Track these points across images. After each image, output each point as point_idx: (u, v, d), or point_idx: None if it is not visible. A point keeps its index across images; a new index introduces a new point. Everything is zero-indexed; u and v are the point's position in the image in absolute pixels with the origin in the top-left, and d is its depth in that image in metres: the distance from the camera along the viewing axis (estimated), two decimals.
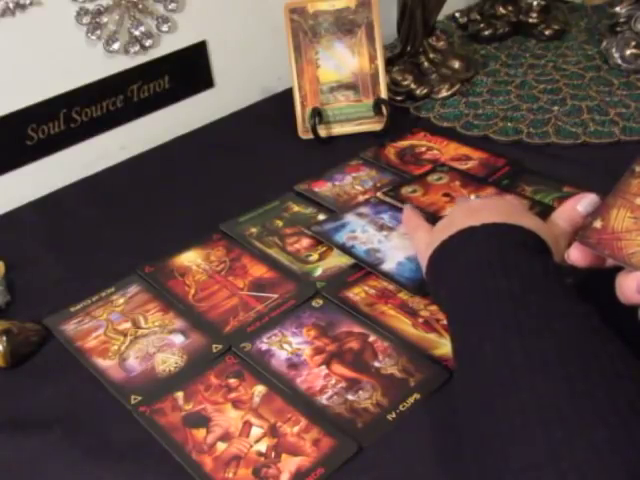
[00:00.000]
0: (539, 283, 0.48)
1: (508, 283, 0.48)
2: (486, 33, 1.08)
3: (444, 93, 0.94)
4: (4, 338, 0.58)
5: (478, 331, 0.47)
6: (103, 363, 0.59)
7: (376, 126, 0.88)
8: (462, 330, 0.49)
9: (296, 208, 0.76)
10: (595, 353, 0.42)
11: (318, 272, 0.67)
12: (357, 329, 0.60)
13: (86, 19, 0.80)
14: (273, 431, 0.52)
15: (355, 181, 0.79)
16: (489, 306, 0.47)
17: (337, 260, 0.68)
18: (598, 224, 0.52)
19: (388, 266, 0.65)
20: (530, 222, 0.55)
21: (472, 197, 0.66)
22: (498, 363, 0.43)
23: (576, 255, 0.53)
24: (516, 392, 0.41)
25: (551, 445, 0.37)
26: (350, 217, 0.73)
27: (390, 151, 0.84)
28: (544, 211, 0.65)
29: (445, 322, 0.59)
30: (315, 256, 0.69)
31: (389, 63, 0.95)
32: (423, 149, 0.84)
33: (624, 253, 0.49)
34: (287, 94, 0.91)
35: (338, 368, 0.56)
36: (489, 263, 0.50)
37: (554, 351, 0.42)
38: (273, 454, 0.50)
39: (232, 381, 0.56)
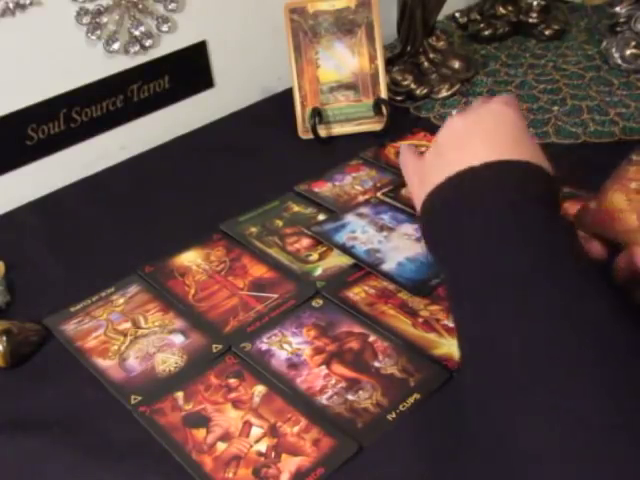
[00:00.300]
0: (551, 257, 0.43)
1: (516, 260, 0.42)
2: (486, 33, 1.08)
3: (444, 93, 0.94)
4: (4, 338, 0.58)
5: (483, 315, 0.42)
6: (103, 363, 0.59)
7: (376, 126, 0.88)
8: (463, 313, 0.45)
9: (296, 208, 0.76)
10: (612, 346, 0.38)
11: (318, 272, 0.67)
12: (357, 329, 0.60)
13: (86, 19, 0.80)
14: (273, 431, 0.52)
15: (355, 181, 0.79)
16: (495, 289, 0.42)
17: (337, 260, 0.68)
18: (593, 205, 0.54)
19: (388, 266, 0.65)
20: (530, 147, 0.50)
21: (453, 112, 0.57)
22: (505, 360, 0.39)
23: (598, 250, 0.52)
24: (527, 392, 0.38)
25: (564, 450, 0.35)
26: (350, 217, 0.73)
27: (390, 151, 0.84)
28: None
29: (445, 322, 0.59)
30: (315, 256, 0.69)
31: (389, 63, 0.95)
32: (423, 149, 0.84)
33: (616, 230, 0.51)
34: (287, 94, 0.91)
35: (338, 368, 0.56)
36: (494, 231, 0.44)
37: (573, 344, 0.38)
38: (273, 454, 0.50)
39: (232, 381, 0.56)
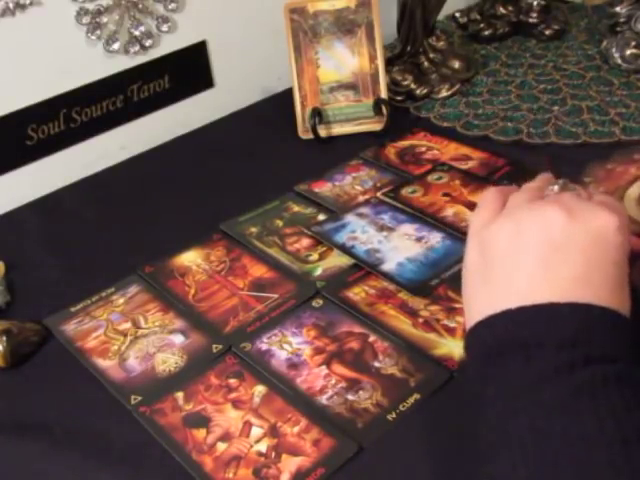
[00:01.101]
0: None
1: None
2: (486, 33, 1.08)
3: (444, 93, 0.94)
4: (4, 338, 0.58)
5: None
6: (103, 363, 0.59)
7: (376, 126, 0.88)
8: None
9: (296, 208, 0.76)
10: None
11: (318, 272, 0.67)
12: (357, 329, 0.60)
13: (86, 19, 0.80)
14: (273, 431, 0.52)
15: (355, 181, 0.79)
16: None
17: (337, 260, 0.68)
18: None
19: (388, 266, 0.65)
20: (624, 290, 0.42)
21: (554, 188, 0.47)
22: None
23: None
24: None
25: None
26: (350, 217, 0.73)
27: (390, 151, 0.84)
28: None
29: (445, 322, 0.59)
30: (315, 256, 0.69)
31: (389, 63, 0.95)
32: (423, 149, 0.84)
33: None
34: (287, 94, 0.91)
35: (338, 368, 0.56)
36: (570, 397, 0.37)
37: None
38: (273, 454, 0.50)
39: (232, 381, 0.56)
